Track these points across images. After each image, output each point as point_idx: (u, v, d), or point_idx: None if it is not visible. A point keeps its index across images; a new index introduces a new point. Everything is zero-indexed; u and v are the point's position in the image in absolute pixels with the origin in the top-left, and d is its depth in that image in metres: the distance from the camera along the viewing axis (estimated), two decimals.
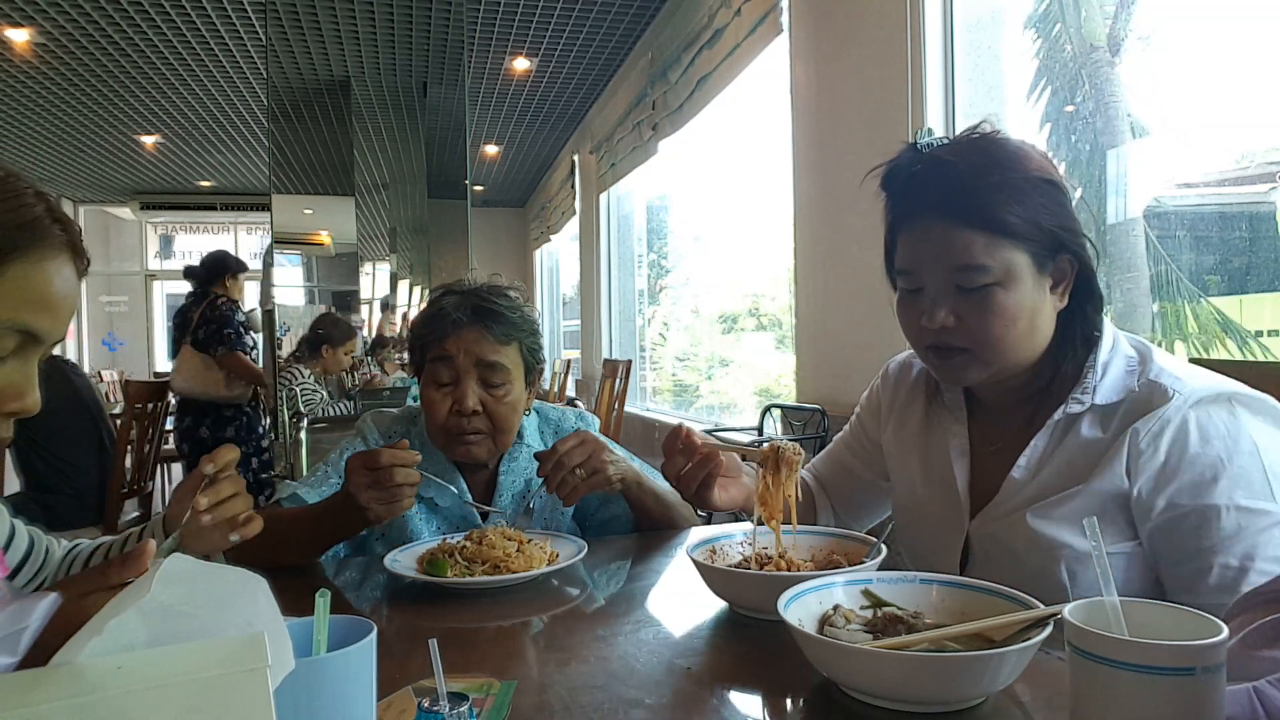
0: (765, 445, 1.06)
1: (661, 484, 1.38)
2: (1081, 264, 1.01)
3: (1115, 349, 1.02)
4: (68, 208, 9.88)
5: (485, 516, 1.40)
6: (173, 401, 4.10)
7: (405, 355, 4.57)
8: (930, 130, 1.07)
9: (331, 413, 3.95)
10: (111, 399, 7.33)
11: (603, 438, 1.48)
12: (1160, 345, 2.59)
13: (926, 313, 1.01)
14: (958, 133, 1.07)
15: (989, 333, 0.99)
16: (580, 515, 1.50)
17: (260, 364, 4.28)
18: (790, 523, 1.04)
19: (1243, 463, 0.92)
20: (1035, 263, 0.98)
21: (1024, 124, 2.87)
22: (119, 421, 3.24)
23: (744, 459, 1.27)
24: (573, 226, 8.13)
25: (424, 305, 1.44)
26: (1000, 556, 1.04)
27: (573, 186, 7.73)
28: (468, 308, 1.33)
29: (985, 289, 0.98)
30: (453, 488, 1.33)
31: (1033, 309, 0.99)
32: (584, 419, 1.53)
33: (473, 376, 1.32)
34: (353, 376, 4.39)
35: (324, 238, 5.10)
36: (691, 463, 1.13)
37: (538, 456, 1.29)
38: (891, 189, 1.06)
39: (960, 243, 0.98)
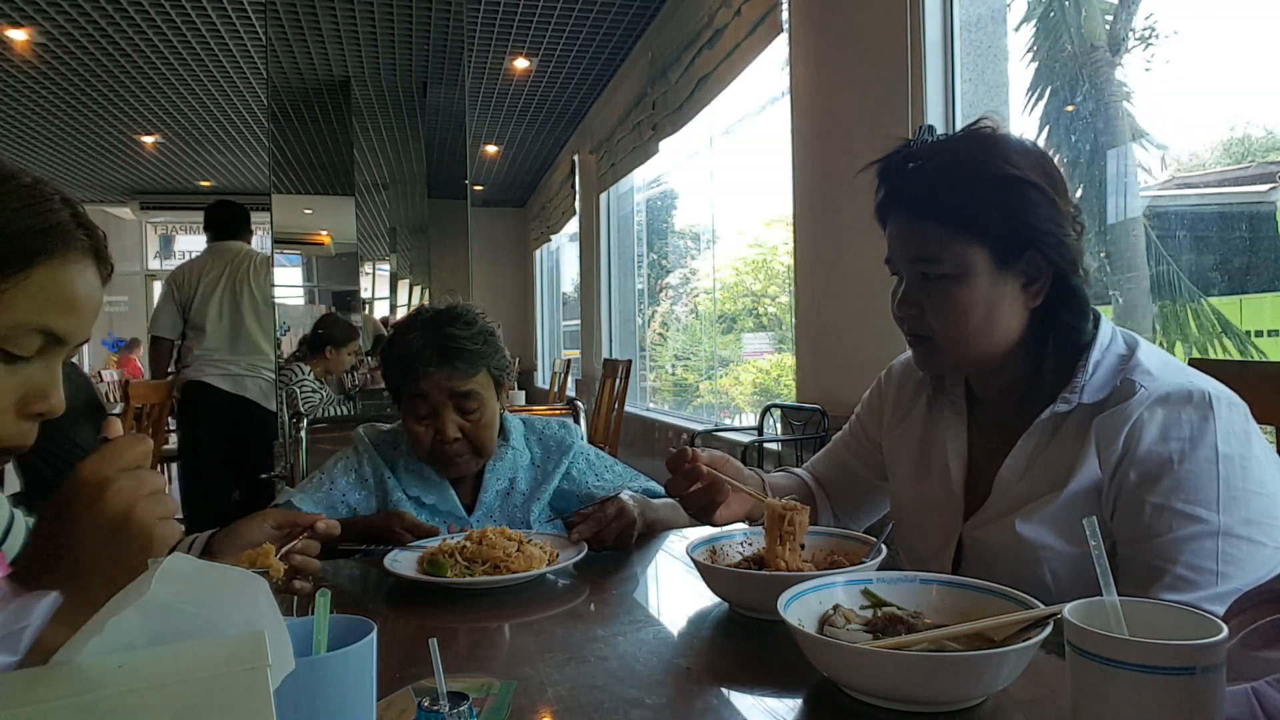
0: (775, 504, 1.02)
1: (659, 509, 1.42)
2: (1057, 264, 1.00)
3: (1110, 348, 1.02)
4: None
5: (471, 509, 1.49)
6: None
7: None
8: (932, 128, 1.08)
9: (332, 413, 3.95)
10: (111, 399, 7.33)
11: (595, 450, 1.60)
12: (1160, 345, 2.59)
13: (898, 299, 1.07)
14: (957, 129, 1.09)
15: (943, 323, 1.03)
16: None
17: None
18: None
19: (1195, 468, 0.91)
20: (995, 259, 1.00)
21: (1024, 124, 2.87)
22: (119, 422, 3.24)
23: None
24: (573, 226, 8.13)
25: (389, 339, 1.51)
26: (989, 560, 1.04)
27: (573, 186, 7.73)
28: (434, 350, 1.39)
29: (941, 280, 1.02)
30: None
31: (989, 304, 1.01)
32: (567, 427, 1.60)
33: (449, 409, 1.41)
34: (352, 377, 4.39)
35: (324, 237, 5.11)
36: (696, 488, 1.14)
37: (576, 517, 1.30)
38: (881, 179, 1.09)
39: (918, 235, 1.03)
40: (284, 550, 0.98)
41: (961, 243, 0.99)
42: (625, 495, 1.34)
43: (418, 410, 1.42)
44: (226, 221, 4.00)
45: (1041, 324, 1.03)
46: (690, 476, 1.13)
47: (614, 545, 1.28)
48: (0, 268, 0.66)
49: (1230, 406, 0.94)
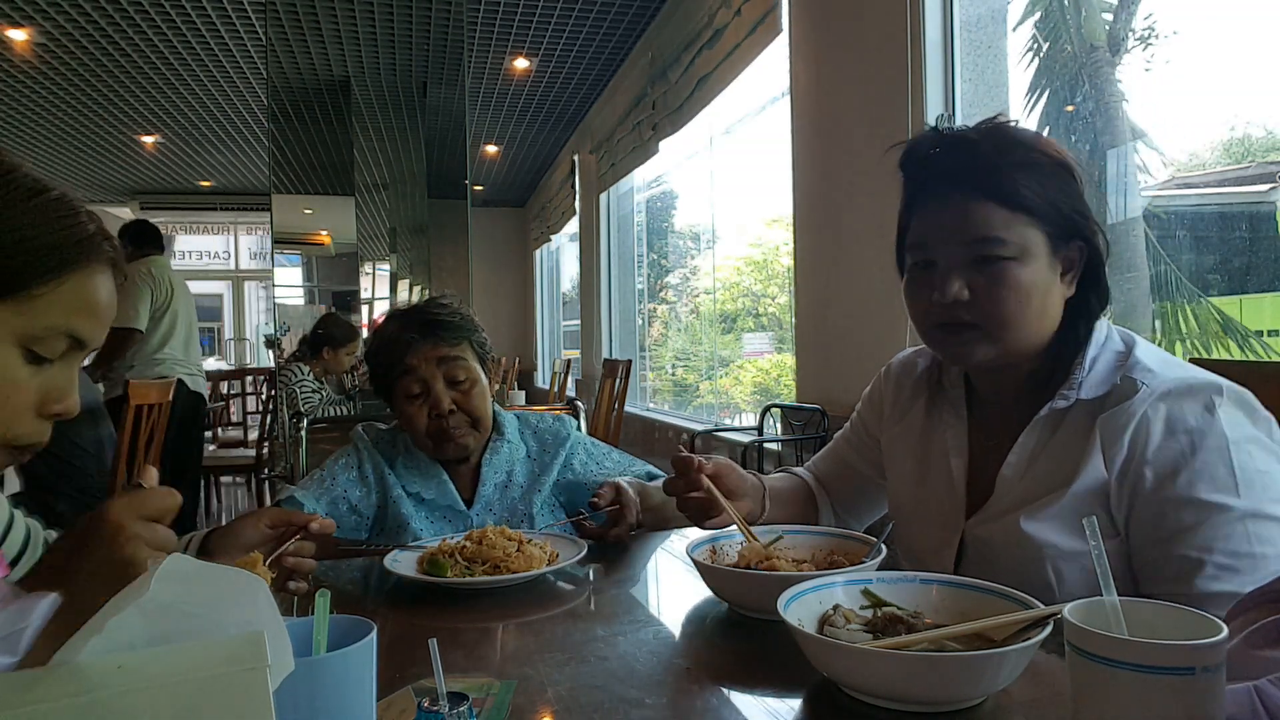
0: (758, 548, 1.04)
1: (655, 492, 1.42)
2: (1092, 253, 1.01)
3: (1106, 344, 1.02)
4: None
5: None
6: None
7: None
8: (949, 116, 1.08)
9: (331, 412, 3.95)
10: None
11: (591, 439, 1.62)
12: (1160, 345, 2.59)
13: (939, 287, 0.99)
14: (974, 123, 1.07)
15: (1002, 308, 0.98)
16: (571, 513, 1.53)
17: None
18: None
19: (1207, 458, 0.91)
20: (1050, 244, 0.99)
21: (1024, 124, 2.87)
22: (119, 421, 3.23)
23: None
24: (573, 226, 8.13)
25: (371, 337, 1.57)
26: (992, 557, 1.04)
27: (573, 186, 7.73)
28: (415, 325, 1.45)
29: (1001, 263, 0.97)
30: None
31: (1045, 289, 0.99)
32: (561, 420, 1.62)
33: (439, 381, 1.44)
34: (352, 376, 4.39)
35: (324, 237, 5.11)
36: (694, 496, 1.14)
37: (586, 518, 1.36)
38: (910, 167, 1.06)
39: (980, 215, 0.98)
40: (277, 553, 0.97)
41: (1024, 225, 0.97)
42: (621, 482, 1.36)
43: (409, 389, 1.43)
44: (153, 237, 4.45)
45: (1072, 315, 1.02)
46: (690, 485, 1.13)
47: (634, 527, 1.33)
48: (39, 275, 0.72)
49: (1231, 393, 0.94)
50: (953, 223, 0.99)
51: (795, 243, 3.56)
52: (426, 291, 5.07)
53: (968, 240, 0.99)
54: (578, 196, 7.57)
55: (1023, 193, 0.97)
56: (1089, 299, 1.02)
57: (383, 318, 1.57)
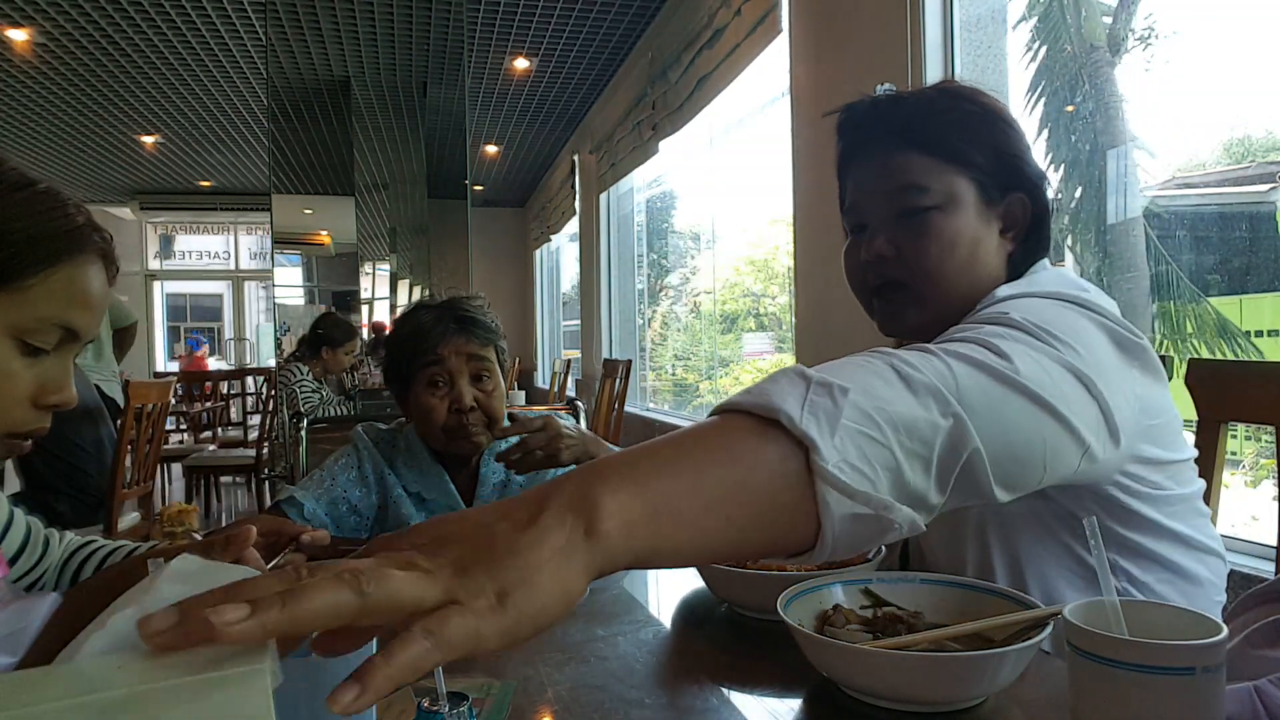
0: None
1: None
2: (1037, 207, 0.97)
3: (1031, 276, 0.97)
4: None
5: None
6: None
7: None
8: (892, 87, 1.07)
9: (331, 412, 3.95)
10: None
11: (568, 419, 1.62)
12: (1161, 345, 2.57)
13: (865, 245, 0.97)
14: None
15: (925, 260, 0.94)
16: None
17: None
18: None
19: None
20: (982, 194, 0.95)
21: (1024, 124, 2.87)
22: (119, 421, 3.23)
23: None
24: (573, 226, 8.13)
25: (397, 323, 1.56)
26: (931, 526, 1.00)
27: (573, 186, 7.73)
28: (450, 318, 1.46)
29: (924, 213, 0.94)
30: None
31: (974, 240, 0.94)
32: (561, 418, 1.60)
33: (465, 377, 1.45)
34: (352, 376, 4.39)
35: (324, 237, 5.11)
36: None
37: (506, 454, 1.39)
38: (843, 131, 1.03)
39: (901, 164, 0.95)
40: (269, 567, 0.97)
41: (950, 174, 0.94)
42: (560, 420, 1.39)
43: (434, 381, 1.44)
44: None
45: (1015, 273, 0.98)
46: None
47: (545, 460, 1.34)
48: (30, 266, 0.73)
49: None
50: (878, 178, 0.97)
51: (795, 243, 3.56)
52: (427, 292, 5.07)
53: (890, 191, 0.96)
54: (578, 196, 7.57)
55: (946, 140, 0.94)
56: (1033, 256, 0.98)
57: (409, 307, 1.57)
